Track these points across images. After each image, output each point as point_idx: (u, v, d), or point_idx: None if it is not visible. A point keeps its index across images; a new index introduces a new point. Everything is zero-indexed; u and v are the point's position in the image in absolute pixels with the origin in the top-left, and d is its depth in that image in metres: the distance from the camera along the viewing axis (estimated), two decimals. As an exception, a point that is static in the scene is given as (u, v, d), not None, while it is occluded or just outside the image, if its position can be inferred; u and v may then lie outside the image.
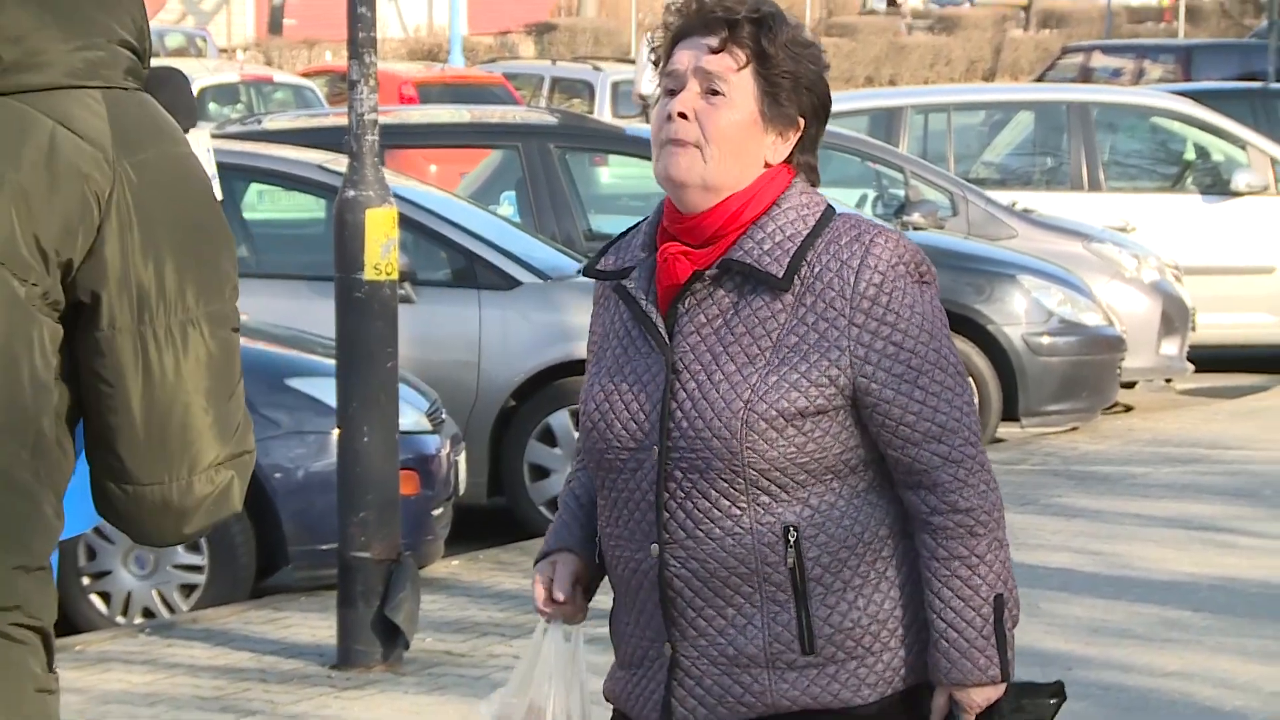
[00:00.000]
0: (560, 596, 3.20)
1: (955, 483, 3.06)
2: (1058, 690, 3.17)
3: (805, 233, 3.09)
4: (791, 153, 3.15)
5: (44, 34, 2.55)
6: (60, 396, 2.53)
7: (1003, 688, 3.09)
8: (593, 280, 3.28)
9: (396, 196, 7.13)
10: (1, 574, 2.51)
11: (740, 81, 3.10)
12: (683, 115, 3.09)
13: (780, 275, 3.07)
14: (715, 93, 3.10)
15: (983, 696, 3.08)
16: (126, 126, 2.55)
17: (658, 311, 3.13)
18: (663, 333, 3.12)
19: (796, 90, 3.12)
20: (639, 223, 3.25)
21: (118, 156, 2.52)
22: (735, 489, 3.07)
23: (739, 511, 3.07)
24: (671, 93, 3.13)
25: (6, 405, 2.48)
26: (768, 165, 3.13)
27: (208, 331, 2.51)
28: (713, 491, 3.07)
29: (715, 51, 3.11)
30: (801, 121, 3.13)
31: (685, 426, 3.08)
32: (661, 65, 3.18)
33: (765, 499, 3.06)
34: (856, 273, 3.06)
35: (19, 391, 2.49)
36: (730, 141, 3.09)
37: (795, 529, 3.06)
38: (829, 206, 3.14)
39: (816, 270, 3.08)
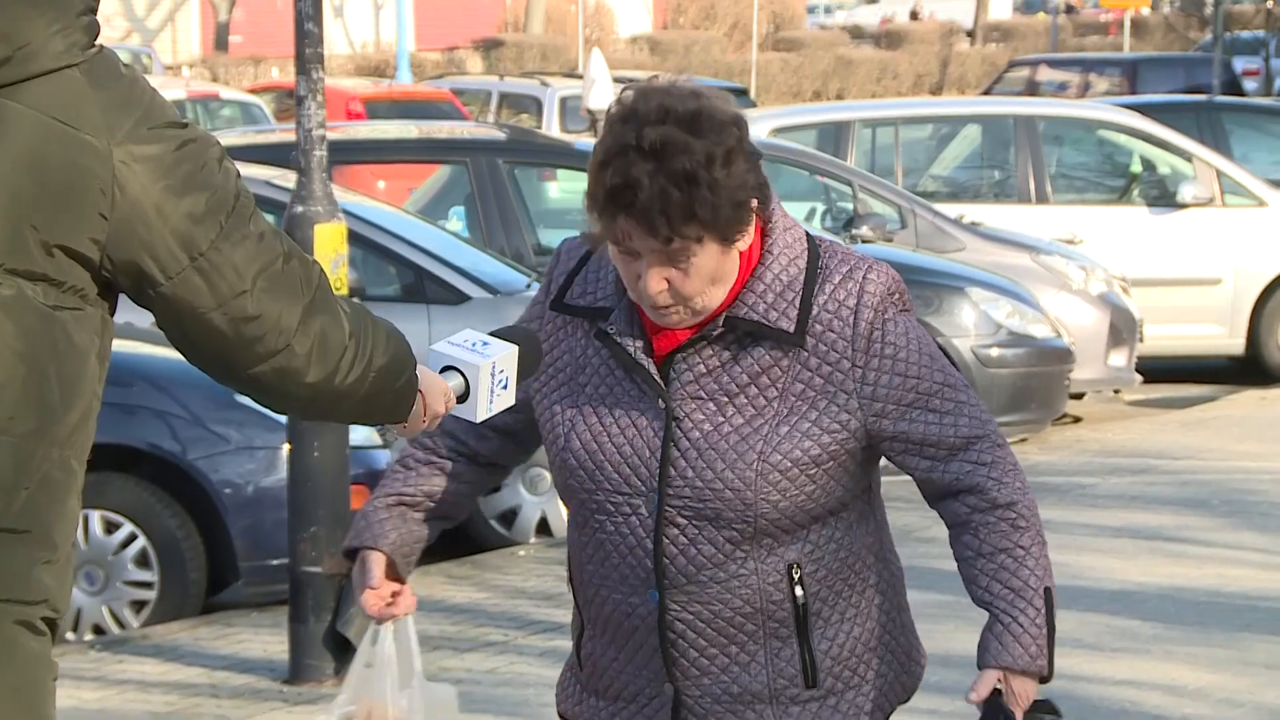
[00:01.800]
0: (381, 598, 3.18)
1: (992, 482, 3.07)
2: (1054, 709, 3.15)
3: (801, 278, 3.06)
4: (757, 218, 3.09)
5: (30, 25, 2.59)
6: (100, 377, 2.68)
7: (1037, 687, 3.07)
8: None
9: (345, 212, 7.14)
10: (30, 570, 2.62)
11: (702, 246, 3.01)
12: (662, 291, 3.03)
13: (791, 330, 3.04)
14: (679, 261, 3.01)
15: (1026, 688, 3.06)
16: (108, 94, 2.63)
17: (650, 358, 3.08)
18: (658, 380, 3.08)
19: (745, 199, 3.02)
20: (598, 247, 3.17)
21: (110, 132, 2.61)
22: (743, 535, 3.06)
23: (743, 555, 3.06)
24: (623, 247, 3.01)
25: (37, 410, 2.61)
26: (742, 250, 3.07)
27: (240, 230, 2.68)
28: (719, 538, 3.06)
29: (666, 244, 2.99)
30: (754, 200, 3.05)
31: (691, 476, 3.05)
32: (599, 207, 3.00)
33: (770, 542, 3.06)
34: (855, 313, 3.05)
35: (48, 394, 2.61)
36: (711, 278, 3.03)
37: (798, 566, 3.07)
38: (809, 237, 3.12)
39: (814, 313, 3.06)
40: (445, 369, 2.99)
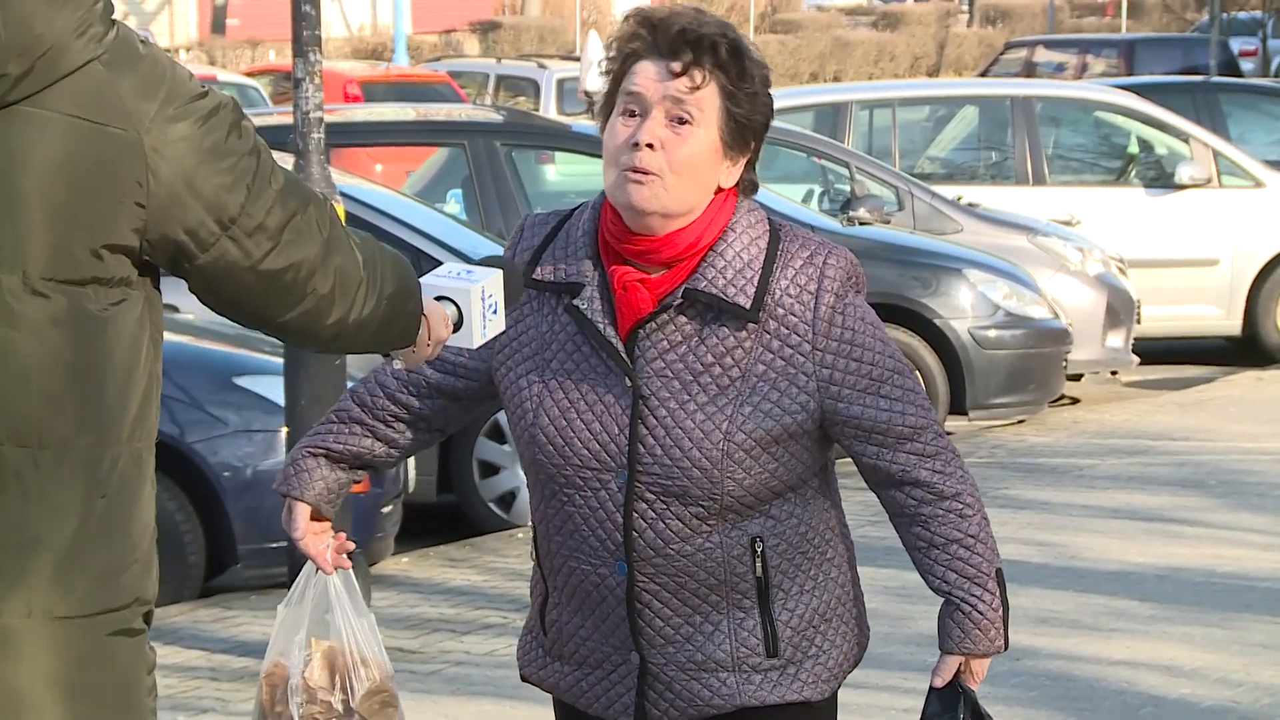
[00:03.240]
0: (323, 547, 3.31)
1: (935, 474, 3.18)
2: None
3: (761, 258, 3.14)
4: (742, 173, 3.18)
5: (50, 29, 2.58)
6: (156, 356, 2.72)
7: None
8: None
9: (343, 195, 7.14)
10: (117, 577, 2.65)
11: (708, 109, 3.10)
12: (649, 145, 3.08)
13: (748, 306, 3.12)
14: (683, 121, 3.10)
15: (984, 666, 3.26)
16: (131, 80, 2.64)
17: (618, 336, 3.14)
18: (625, 358, 3.14)
19: (753, 118, 3.14)
20: (564, 221, 3.24)
21: (138, 120, 2.63)
22: (709, 512, 3.15)
23: (709, 529, 3.16)
24: (632, 113, 3.11)
25: (98, 417, 2.63)
26: (719, 190, 3.15)
27: (266, 191, 2.72)
28: (686, 514, 3.15)
29: (680, 75, 3.09)
30: (754, 145, 3.17)
31: (659, 454, 3.13)
32: (616, 77, 3.14)
33: (734, 517, 3.16)
34: (816, 297, 3.13)
35: (107, 399, 2.64)
36: (693, 171, 3.10)
37: (760, 540, 3.17)
38: (771, 221, 3.19)
39: (776, 296, 3.13)
40: (437, 299, 3.02)
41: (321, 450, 3.34)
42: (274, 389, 7.43)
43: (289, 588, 6.87)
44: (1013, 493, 9.41)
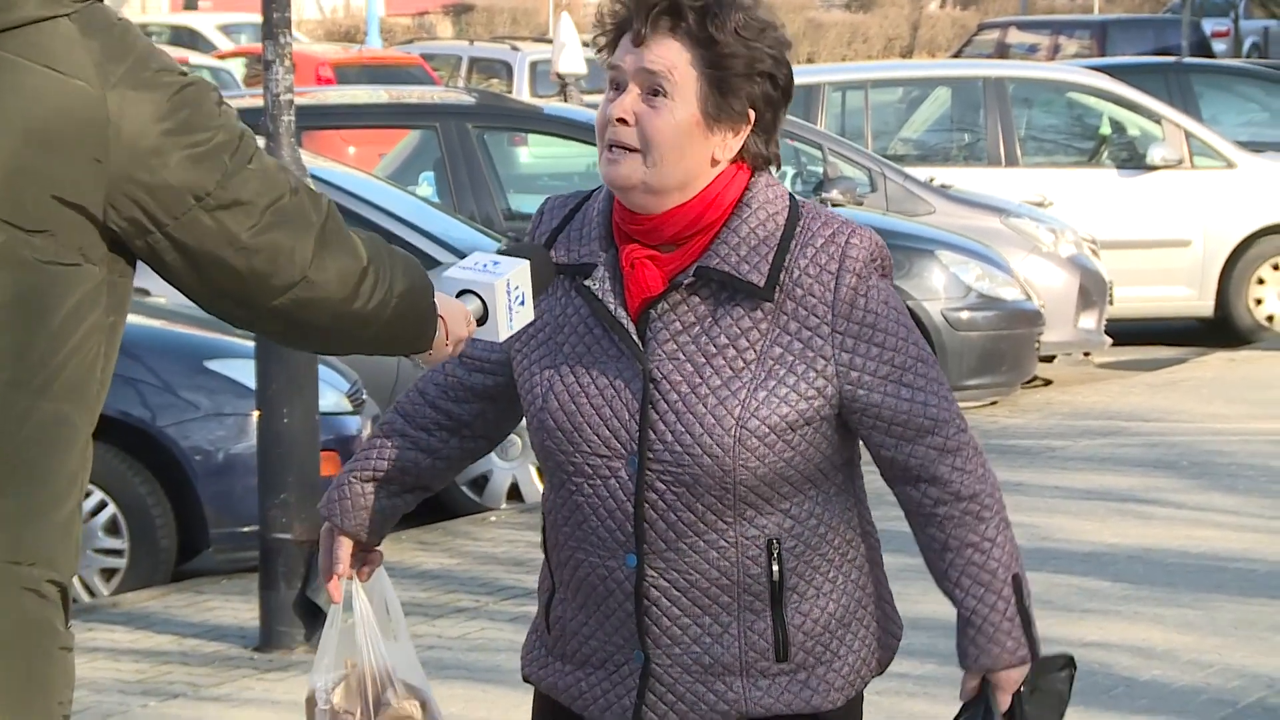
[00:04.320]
0: (350, 576, 3.21)
1: (955, 471, 3.03)
2: (1068, 662, 3.16)
3: (778, 234, 3.01)
4: (746, 144, 3.02)
5: None
6: (111, 333, 2.65)
7: (1029, 665, 3.08)
8: None
9: (314, 177, 7.12)
10: (34, 531, 2.58)
11: (684, 79, 2.98)
12: (623, 120, 2.98)
13: (762, 284, 2.99)
14: (657, 93, 2.98)
15: (1016, 676, 3.07)
16: (100, 43, 2.60)
17: (629, 316, 3.03)
18: (636, 340, 3.03)
19: (748, 81, 2.99)
20: (581, 203, 3.14)
21: (104, 77, 2.59)
22: (723, 503, 3.01)
23: (725, 525, 3.02)
24: (616, 87, 3.01)
25: (17, 359, 2.57)
26: (716, 163, 3.01)
27: (244, 170, 2.66)
28: (699, 505, 3.01)
29: (647, 44, 2.98)
30: (753, 114, 3.01)
31: (670, 440, 3.00)
32: (605, 53, 3.06)
33: (750, 512, 3.02)
34: (836, 278, 2.99)
35: (32, 344, 2.57)
36: (672, 145, 2.98)
37: (778, 541, 3.03)
38: (792, 198, 3.06)
39: (795, 276, 3.00)
40: (460, 294, 2.96)
41: (368, 473, 3.20)
42: (245, 372, 7.41)
43: (260, 572, 6.90)
44: (985, 474, 9.45)
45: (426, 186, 10.62)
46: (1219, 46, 29.22)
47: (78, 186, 2.58)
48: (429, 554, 8.02)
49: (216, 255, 2.66)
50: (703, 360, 3.01)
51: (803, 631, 3.06)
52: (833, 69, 16.58)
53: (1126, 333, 13.26)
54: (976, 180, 13.29)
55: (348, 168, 10.16)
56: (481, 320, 2.96)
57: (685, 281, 3.00)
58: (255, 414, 7.12)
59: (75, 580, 7.47)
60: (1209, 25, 29.39)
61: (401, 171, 10.92)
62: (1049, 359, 12.33)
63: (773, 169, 3.10)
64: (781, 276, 2.99)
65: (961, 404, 11.70)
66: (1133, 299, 13.32)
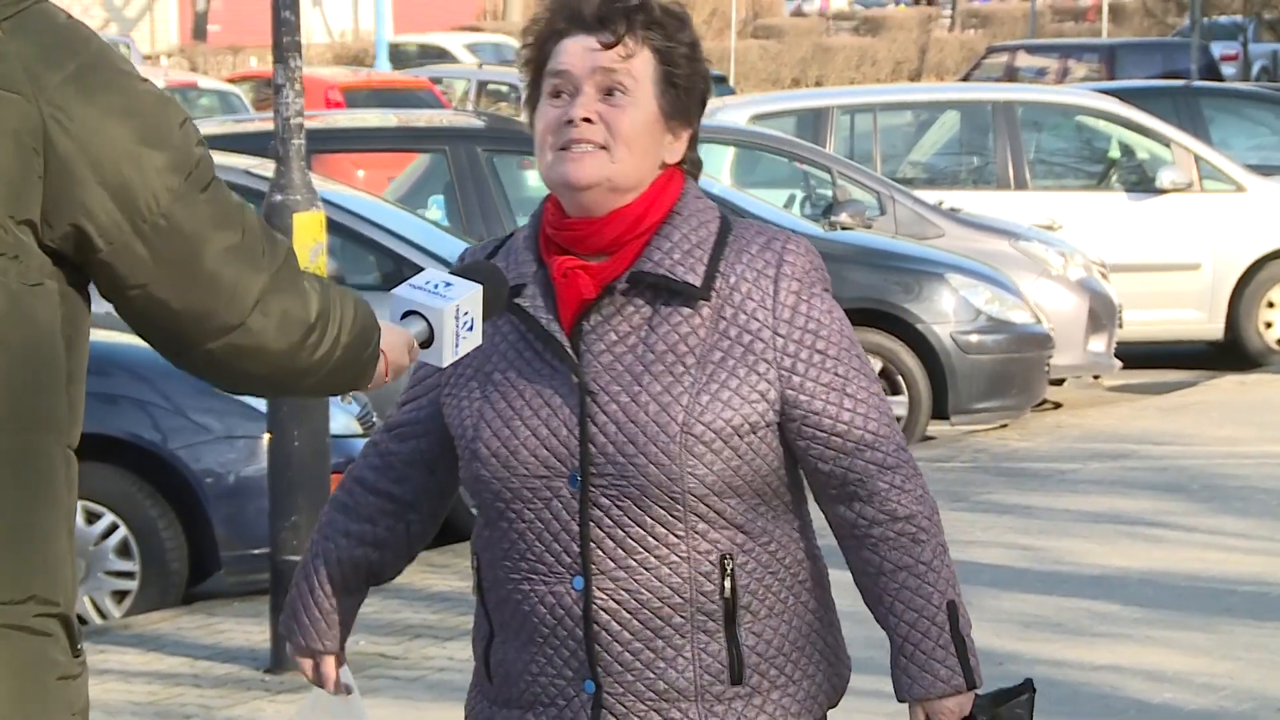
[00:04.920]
0: (334, 691, 3.16)
1: (893, 490, 2.95)
2: (1027, 687, 3.07)
3: (712, 239, 2.96)
4: (685, 148, 3.01)
5: None
6: (71, 353, 2.54)
7: (972, 695, 2.99)
8: None
9: (324, 201, 7.14)
10: (14, 565, 2.48)
11: (643, 77, 2.93)
12: (587, 119, 2.91)
13: (698, 284, 2.92)
14: (614, 92, 2.92)
15: (953, 706, 2.99)
16: (35, 53, 2.47)
17: (562, 330, 2.94)
18: (570, 352, 2.93)
19: (693, 86, 2.97)
20: (505, 239, 3.06)
21: (36, 91, 2.46)
22: (673, 515, 2.92)
23: (675, 539, 2.93)
24: (559, 94, 2.93)
25: (5, 392, 2.47)
26: (664, 166, 2.98)
27: (194, 197, 2.52)
28: (647, 519, 2.92)
29: (611, 46, 2.93)
30: (695, 118, 3.00)
31: (613, 451, 2.91)
32: (537, 62, 2.97)
33: (702, 525, 2.93)
34: (775, 282, 2.94)
35: (17, 378, 2.48)
36: (637, 141, 2.93)
37: (730, 557, 2.94)
38: (722, 212, 3.03)
39: (732, 281, 2.94)
40: (407, 314, 2.89)
41: (321, 586, 3.12)
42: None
43: (270, 594, 6.89)
44: (995, 497, 9.43)
45: (436, 210, 10.64)
46: (1228, 70, 29.27)
47: (24, 203, 2.46)
48: (439, 576, 8.02)
49: (147, 286, 2.53)
50: (641, 368, 2.93)
51: (756, 653, 2.97)
52: (842, 92, 16.62)
53: (1136, 356, 13.26)
54: (986, 203, 13.30)
55: (357, 191, 10.18)
56: (426, 343, 2.88)
57: (620, 287, 2.93)
58: (266, 437, 7.14)
59: (88, 602, 7.54)
60: (1218, 49, 29.44)
61: (411, 195, 10.94)
62: (1059, 382, 12.34)
63: (695, 177, 3.07)
64: (718, 281, 2.94)
65: (971, 427, 11.79)
66: (1142, 322, 13.33)
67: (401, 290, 2.90)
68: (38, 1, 2.51)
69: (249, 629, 7.29)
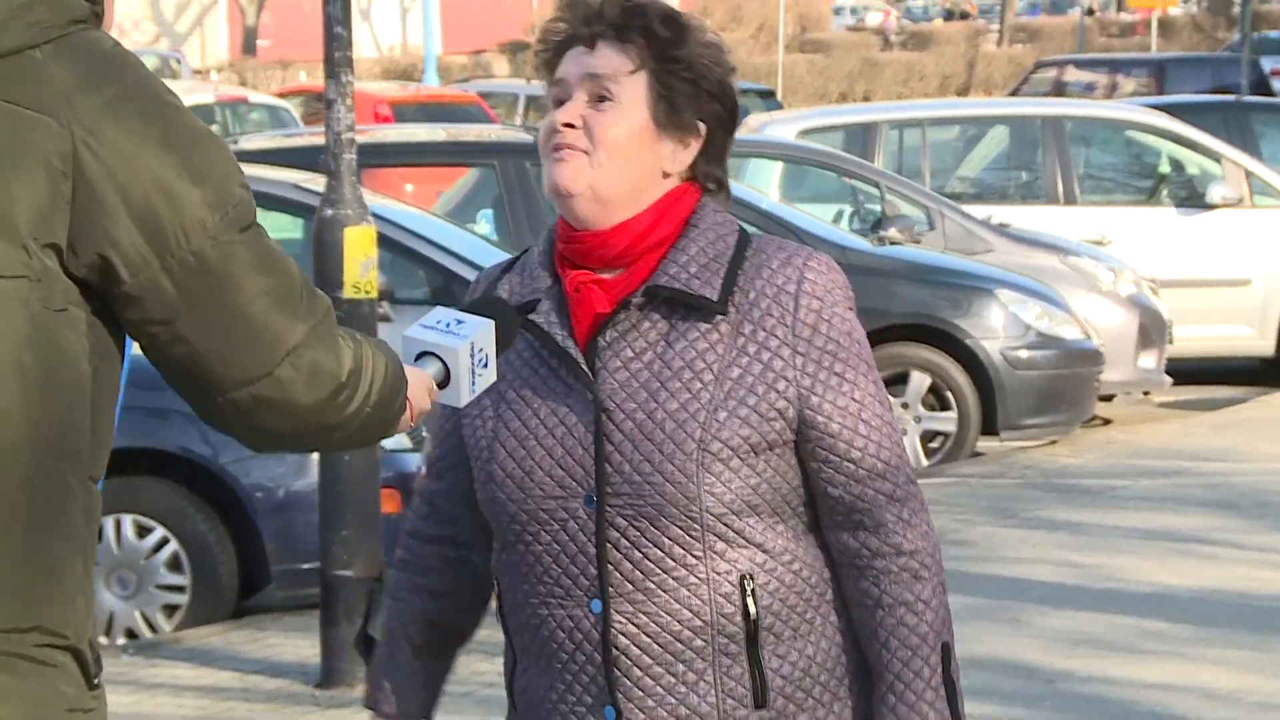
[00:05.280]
0: None
1: (899, 523, 2.89)
2: None
3: (729, 253, 2.89)
4: (695, 163, 2.92)
5: None
6: (96, 382, 2.47)
7: None
8: None
9: (374, 215, 7.15)
10: (18, 593, 2.42)
11: (631, 84, 2.87)
12: (569, 124, 2.86)
13: (715, 299, 2.85)
14: (604, 98, 2.87)
15: None
16: (74, 77, 2.43)
17: (577, 346, 2.87)
18: (585, 369, 2.86)
19: (697, 95, 2.89)
20: (520, 255, 3.01)
21: (70, 115, 2.41)
22: (691, 535, 2.84)
23: (694, 560, 2.85)
24: (560, 102, 2.90)
25: (23, 417, 2.42)
26: (666, 175, 2.90)
27: (230, 237, 2.47)
28: (665, 539, 2.84)
29: (595, 50, 2.89)
30: (704, 128, 2.90)
31: (629, 471, 2.84)
32: (548, 71, 2.95)
33: (721, 545, 2.85)
34: (795, 299, 2.88)
35: (38, 404, 2.42)
36: (621, 149, 2.86)
37: (751, 577, 2.86)
38: (742, 227, 2.95)
39: (751, 296, 2.88)
40: (421, 354, 2.82)
41: (403, 647, 3.04)
42: None
43: (321, 608, 6.90)
44: (1045, 514, 9.41)
45: (485, 224, 10.67)
46: (1278, 85, 29.14)
47: (50, 227, 2.41)
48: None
49: (171, 321, 2.45)
50: (657, 385, 2.85)
51: (781, 675, 2.89)
52: (890, 107, 16.60)
53: (1186, 372, 13.22)
54: (1035, 219, 13.28)
55: (407, 205, 10.21)
56: (443, 383, 2.82)
57: (635, 302, 2.86)
58: (315, 452, 7.15)
59: (138, 616, 7.57)
60: (1268, 63, 29.32)
61: (460, 209, 10.96)
62: (1108, 398, 12.33)
63: (723, 197, 3.00)
64: (736, 294, 2.88)
65: (1020, 443, 11.76)
66: (1193, 338, 13.28)
67: (414, 331, 2.85)
68: (86, 29, 2.47)
69: (299, 644, 7.31)
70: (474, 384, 2.82)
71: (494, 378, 2.86)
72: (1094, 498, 9.79)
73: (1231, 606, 7.71)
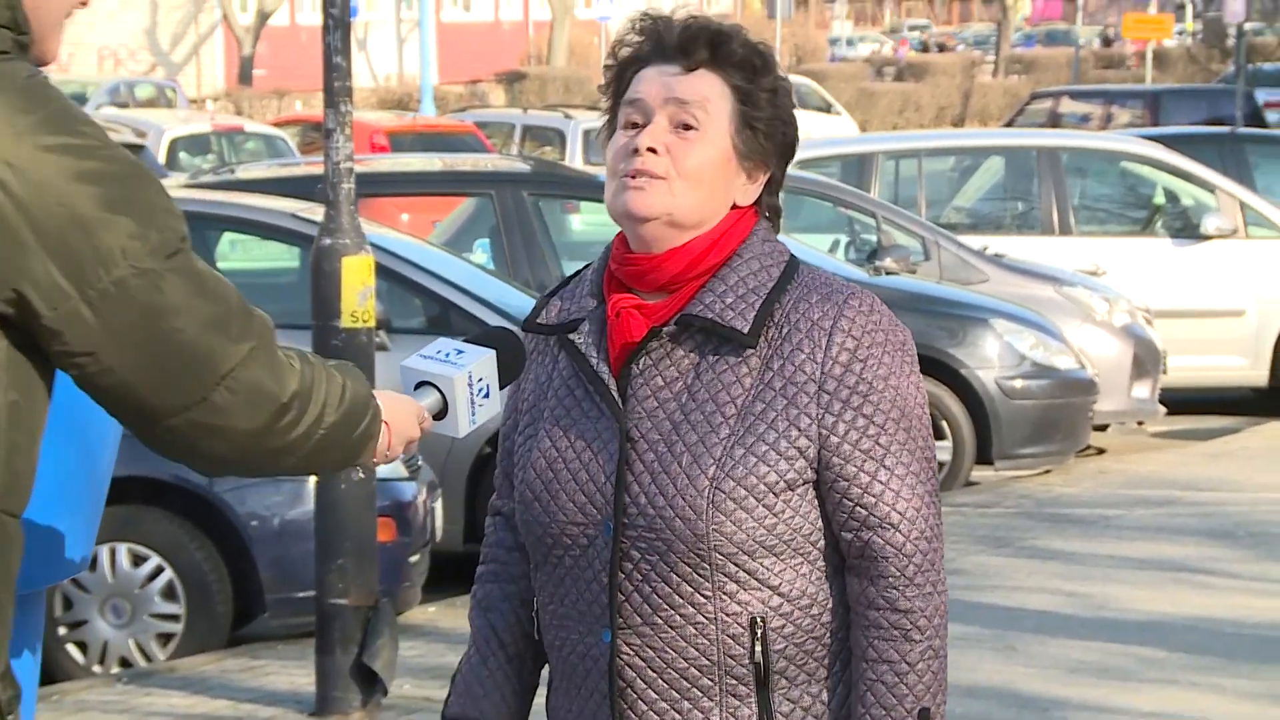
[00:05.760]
0: None
1: (900, 579, 2.81)
2: None
3: (770, 285, 2.83)
4: (761, 192, 2.89)
5: None
6: (14, 416, 2.44)
7: None
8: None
9: (372, 245, 7.15)
10: None
11: (717, 113, 2.83)
12: (652, 149, 2.82)
13: (745, 331, 2.80)
14: (688, 126, 2.83)
15: None
16: None
17: (610, 371, 2.84)
18: (615, 395, 2.83)
19: (772, 130, 2.86)
20: (579, 271, 2.98)
21: None
22: (699, 574, 2.79)
23: (703, 599, 2.80)
24: (634, 125, 2.85)
25: None
26: (735, 207, 2.87)
27: (154, 265, 2.43)
28: (674, 576, 2.80)
29: (685, 74, 2.83)
30: (774, 162, 2.88)
31: (644, 503, 2.79)
32: (616, 89, 2.89)
33: (732, 586, 2.80)
34: (829, 335, 2.80)
35: None
36: (703, 179, 2.82)
37: (763, 620, 2.80)
38: (793, 257, 2.90)
39: (785, 331, 2.81)
40: (420, 384, 2.81)
41: (495, 654, 2.96)
42: None
43: (316, 637, 6.89)
44: (1040, 543, 9.42)
45: (481, 253, 10.68)
46: (1272, 116, 29.17)
47: None
48: None
49: (95, 352, 2.42)
50: (681, 417, 2.80)
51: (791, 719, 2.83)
52: (886, 138, 16.62)
53: (1180, 402, 13.23)
54: (1030, 249, 13.30)
55: (404, 235, 10.22)
56: (440, 415, 2.81)
57: (667, 331, 2.82)
58: (311, 480, 7.16)
59: (132, 645, 7.55)
60: (1262, 95, 29.34)
61: (457, 238, 10.96)
62: (1103, 428, 12.34)
63: (774, 224, 2.96)
64: (770, 328, 2.81)
65: (1015, 472, 11.72)
66: (1186, 368, 13.30)
67: (411, 361, 2.84)
68: (7, 59, 2.44)
69: (293, 672, 7.30)
70: (473, 414, 2.81)
71: (497, 409, 2.85)
72: (1088, 527, 9.79)
73: (1226, 635, 7.71)
